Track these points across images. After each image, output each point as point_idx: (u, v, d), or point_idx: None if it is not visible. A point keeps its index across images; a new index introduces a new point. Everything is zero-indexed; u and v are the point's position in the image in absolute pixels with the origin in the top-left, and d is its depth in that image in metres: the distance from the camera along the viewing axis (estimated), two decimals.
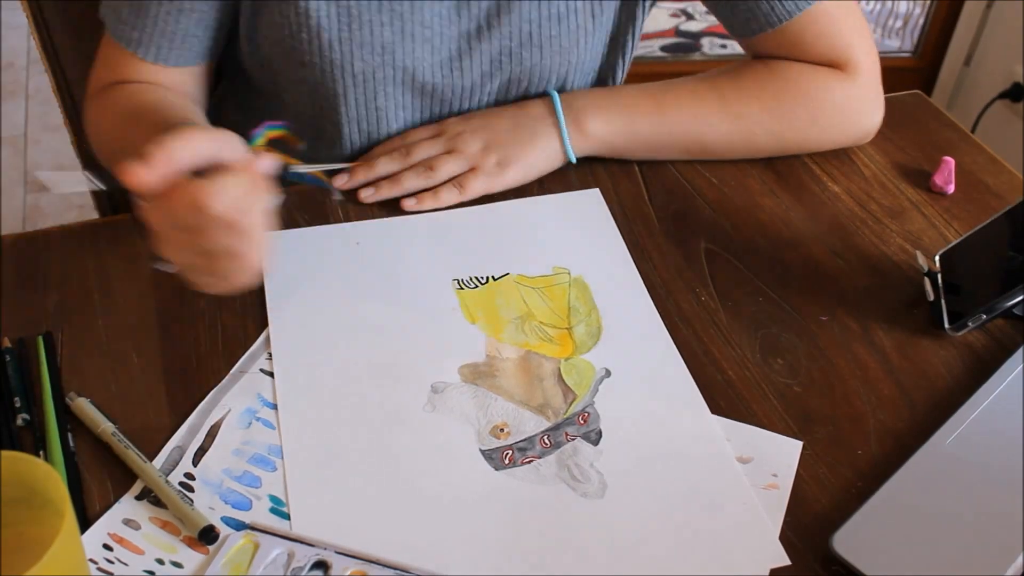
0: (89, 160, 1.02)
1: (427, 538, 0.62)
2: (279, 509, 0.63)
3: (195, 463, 0.66)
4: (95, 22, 0.86)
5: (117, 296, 0.77)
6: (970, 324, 0.74)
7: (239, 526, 0.62)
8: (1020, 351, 0.73)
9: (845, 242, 0.85)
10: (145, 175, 0.58)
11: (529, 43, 0.87)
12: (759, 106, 0.89)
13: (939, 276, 0.78)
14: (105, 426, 0.66)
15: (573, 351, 0.74)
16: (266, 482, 0.65)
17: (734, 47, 1.96)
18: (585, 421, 0.69)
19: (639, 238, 0.85)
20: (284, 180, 0.59)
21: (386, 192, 0.86)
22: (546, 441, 0.68)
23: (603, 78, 0.97)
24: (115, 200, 1.12)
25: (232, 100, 0.99)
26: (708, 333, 0.76)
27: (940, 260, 0.80)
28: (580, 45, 0.89)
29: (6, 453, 0.52)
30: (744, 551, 0.62)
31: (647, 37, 2.66)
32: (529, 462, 0.67)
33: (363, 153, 0.91)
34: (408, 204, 0.86)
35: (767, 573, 0.61)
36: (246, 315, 0.76)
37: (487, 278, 0.80)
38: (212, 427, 0.68)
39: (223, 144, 0.62)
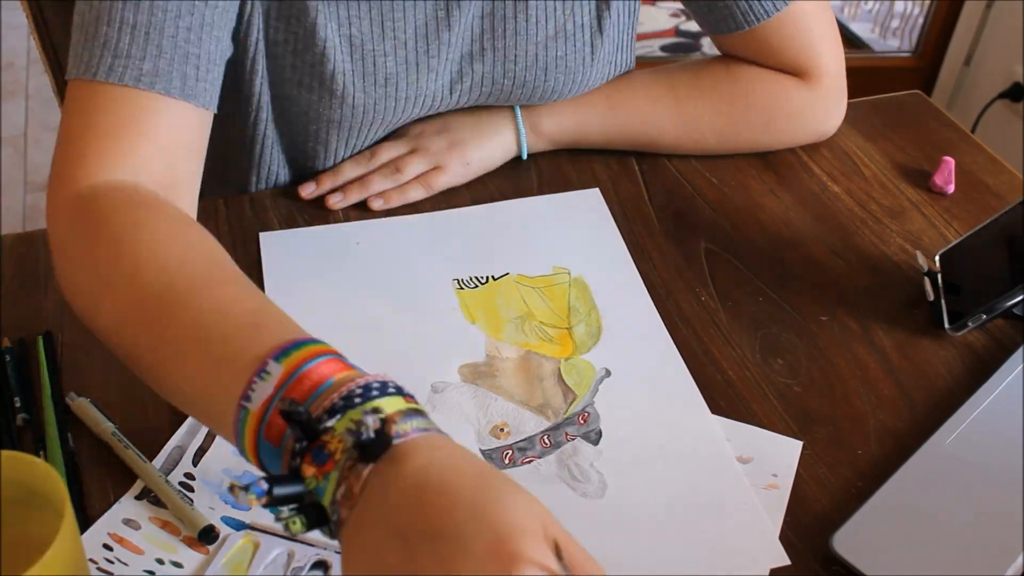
0: None
1: None
2: None
3: (195, 463, 0.66)
4: None
5: None
6: (970, 324, 0.74)
7: (239, 526, 0.62)
8: (1020, 351, 0.73)
9: (845, 242, 0.85)
10: None
11: (535, 65, 0.85)
12: (712, 109, 0.90)
13: (939, 276, 0.79)
14: (105, 426, 0.66)
15: (573, 351, 0.74)
16: None
17: None
18: (585, 421, 0.69)
19: (639, 238, 0.85)
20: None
21: (355, 195, 0.86)
22: (546, 441, 0.68)
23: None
24: None
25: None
26: (708, 333, 0.76)
27: (940, 260, 0.80)
28: (586, 64, 0.88)
29: (6, 453, 0.52)
30: (744, 551, 0.62)
31: (647, 37, 2.66)
32: (529, 462, 0.67)
33: None
34: (375, 204, 0.86)
35: (767, 573, 0.60)
36: None
37: (487, 278, 0.80)
38: None
39: None
